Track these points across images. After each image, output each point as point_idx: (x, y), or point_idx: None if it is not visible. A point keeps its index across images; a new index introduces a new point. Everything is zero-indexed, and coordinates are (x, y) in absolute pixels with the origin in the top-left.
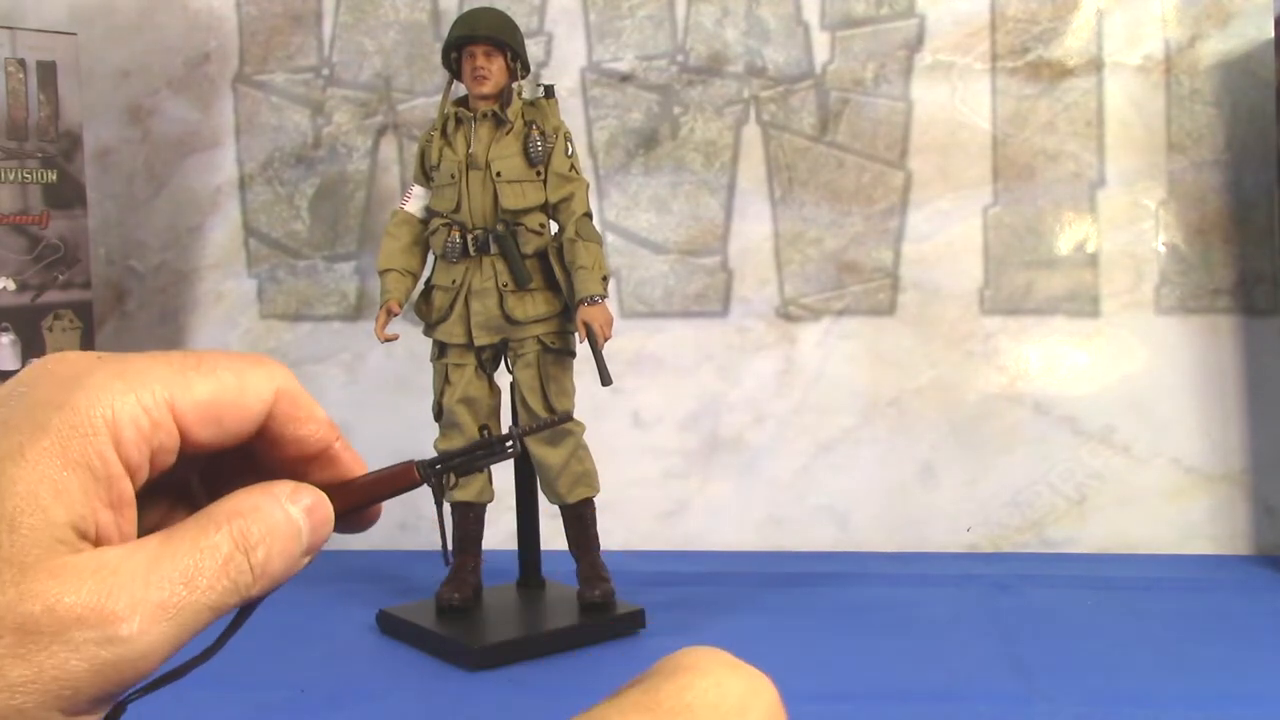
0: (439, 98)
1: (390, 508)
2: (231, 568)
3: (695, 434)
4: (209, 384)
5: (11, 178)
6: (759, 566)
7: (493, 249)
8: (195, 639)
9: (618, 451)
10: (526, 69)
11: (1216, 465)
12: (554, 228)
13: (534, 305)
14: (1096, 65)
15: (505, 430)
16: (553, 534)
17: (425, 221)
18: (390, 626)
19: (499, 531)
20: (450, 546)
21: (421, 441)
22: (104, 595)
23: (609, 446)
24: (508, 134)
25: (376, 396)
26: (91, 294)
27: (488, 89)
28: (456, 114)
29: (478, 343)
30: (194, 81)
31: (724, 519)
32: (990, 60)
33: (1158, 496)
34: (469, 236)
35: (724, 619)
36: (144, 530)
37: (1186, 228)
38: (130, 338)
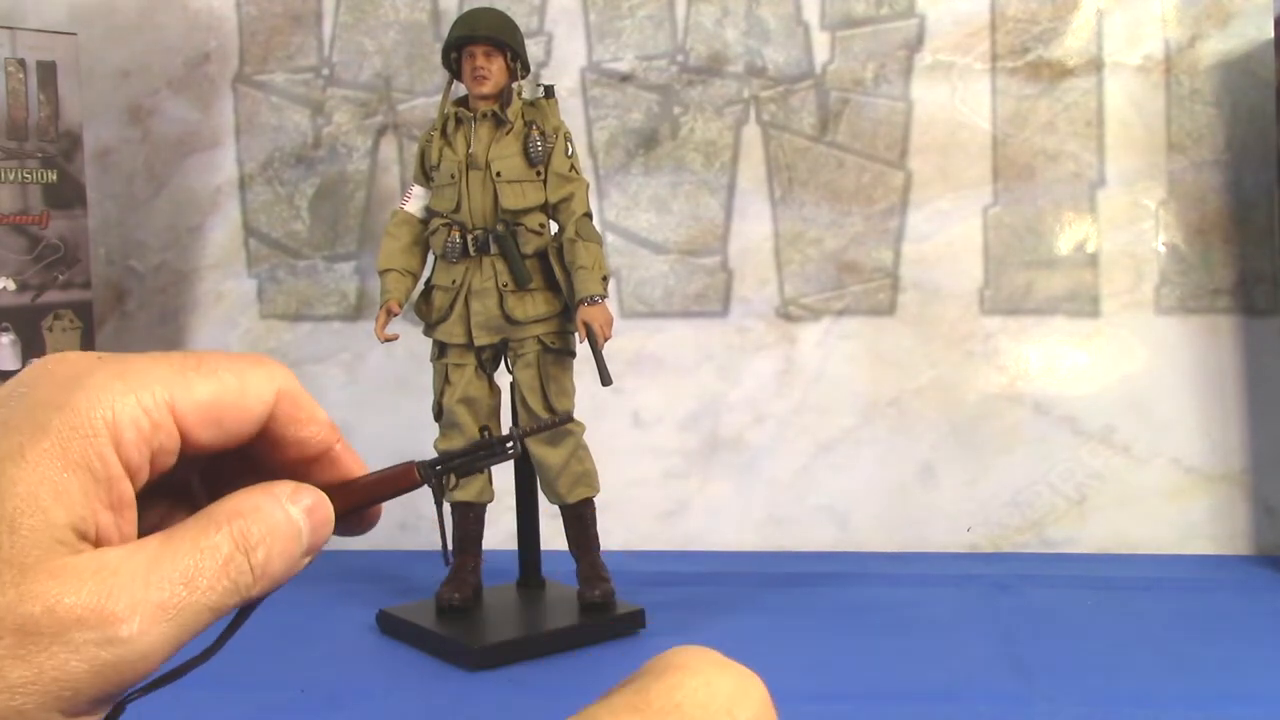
0: (439, 98)
1: (390, 508)
2: (232, 568)
3: (695, 434)
4: (210, 385)
5: (11, 178)
6: (759, 566)
7: (493, 249)
8: (195, 639)
9: (618, 451)
10: (526, 69)
11: (1216, 465)
12: (554, 228)
13: (534, 305)
14: (1096, 65)
15: (505, 431)
16: (553, 534)
17: (425, 221)
18: (390, 626)
19: (499, 531)
20: (450, 546)
21: (421, 442)
22: (104, 596)
23: (609, 446)
24: (508, 134)
25: (376, 397)
26: (91, 294)
27: (488, 89)
28: (456, 114)
29: (478, 343)
30: (194, 81)
31: (724, 519)
32: (990, 60)
33: (1158, 496)
34: (469, 236)
35: (724, 619)
36: (144, 531)
37: (1186, 228)
38: (130, 338)
